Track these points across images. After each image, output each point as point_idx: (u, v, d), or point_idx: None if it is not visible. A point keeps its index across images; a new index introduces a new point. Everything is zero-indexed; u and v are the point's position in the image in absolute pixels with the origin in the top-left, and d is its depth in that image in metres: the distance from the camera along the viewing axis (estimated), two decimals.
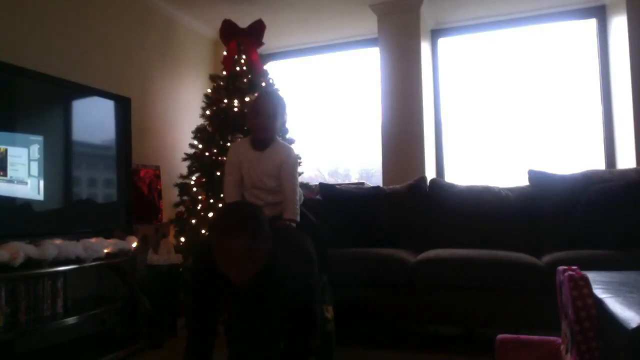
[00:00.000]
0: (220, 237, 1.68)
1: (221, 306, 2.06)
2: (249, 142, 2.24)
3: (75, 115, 2.91)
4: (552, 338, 1.74)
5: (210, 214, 3.44)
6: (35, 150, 2.59)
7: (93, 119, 3.03)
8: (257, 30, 3.92)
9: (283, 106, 2.25)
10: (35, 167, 2.57)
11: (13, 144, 2.48)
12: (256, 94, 2.27)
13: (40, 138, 2.61)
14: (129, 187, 3.25)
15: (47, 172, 2.66)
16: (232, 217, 1.75)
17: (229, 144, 3.55)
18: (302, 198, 2.31)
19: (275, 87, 3.93)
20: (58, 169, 2.77)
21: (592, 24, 4.13)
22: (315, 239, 2.02)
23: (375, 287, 2.78)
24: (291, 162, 2.20)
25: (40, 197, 2.61)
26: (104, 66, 3.50)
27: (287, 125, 3.90)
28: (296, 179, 2.22)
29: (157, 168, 3.87)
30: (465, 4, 4.12)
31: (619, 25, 3.80)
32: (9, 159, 2.45)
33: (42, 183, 2.61)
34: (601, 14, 4.06)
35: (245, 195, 2.25)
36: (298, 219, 2.13)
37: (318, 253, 1.94)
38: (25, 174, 2.53)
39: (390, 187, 3.50)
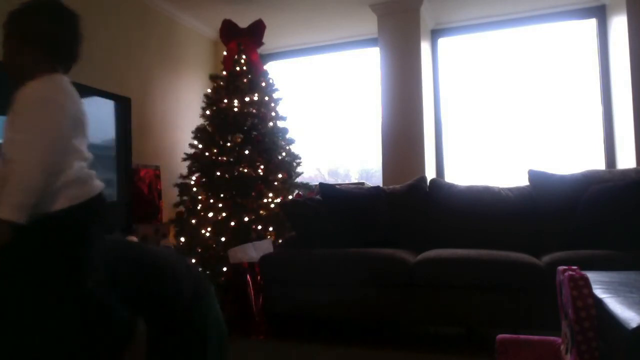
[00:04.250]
0: None
1: None
2: None
3: None
4: (552, 338, 1.73)
5: (210, 214, 3.44)
6: None
7: (93, 118, 3.02)
8: (257, 30, 3.92)
9: (26, 17, 1.39)
10: None
11: None
12: None
13: None
14: (129, 187, 3.25)
15: None
16: None
17: (229, 144, 3.55)
18: (90, 190, 1.38)
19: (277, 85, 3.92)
20: None
21: (592, 24, 4.13)
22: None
23: (375, 287, 2.77)
24: (29, 101, 1.27)
25: None
26: (104, 66, 3.50)
27: (287, 125, 3.90)
28: (35, 136, 1.25)
29: (157, 168, 3.87)
30: (465, 4, 4.12)
31: (619, 25, 3.80)
32: None
33: None
34: (601, 14, 4.06)
35: None
36: (15, 216, 1.19)
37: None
38: None
39: (390, 187, 3.50)
